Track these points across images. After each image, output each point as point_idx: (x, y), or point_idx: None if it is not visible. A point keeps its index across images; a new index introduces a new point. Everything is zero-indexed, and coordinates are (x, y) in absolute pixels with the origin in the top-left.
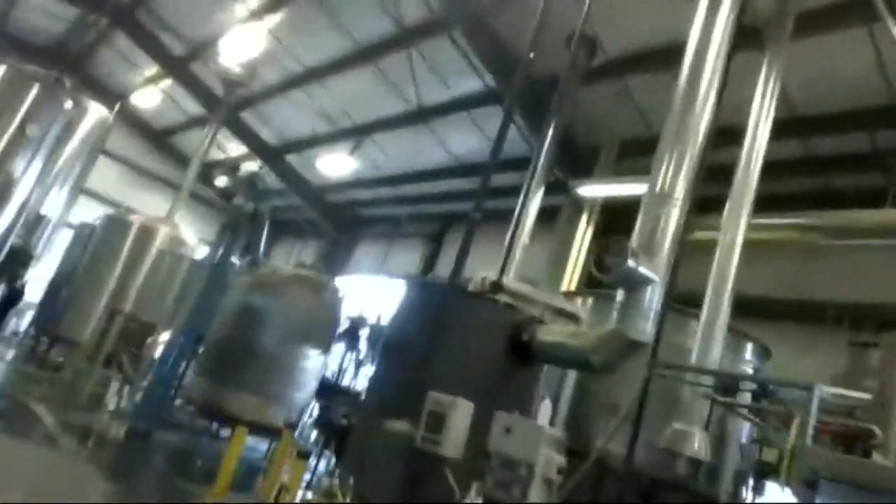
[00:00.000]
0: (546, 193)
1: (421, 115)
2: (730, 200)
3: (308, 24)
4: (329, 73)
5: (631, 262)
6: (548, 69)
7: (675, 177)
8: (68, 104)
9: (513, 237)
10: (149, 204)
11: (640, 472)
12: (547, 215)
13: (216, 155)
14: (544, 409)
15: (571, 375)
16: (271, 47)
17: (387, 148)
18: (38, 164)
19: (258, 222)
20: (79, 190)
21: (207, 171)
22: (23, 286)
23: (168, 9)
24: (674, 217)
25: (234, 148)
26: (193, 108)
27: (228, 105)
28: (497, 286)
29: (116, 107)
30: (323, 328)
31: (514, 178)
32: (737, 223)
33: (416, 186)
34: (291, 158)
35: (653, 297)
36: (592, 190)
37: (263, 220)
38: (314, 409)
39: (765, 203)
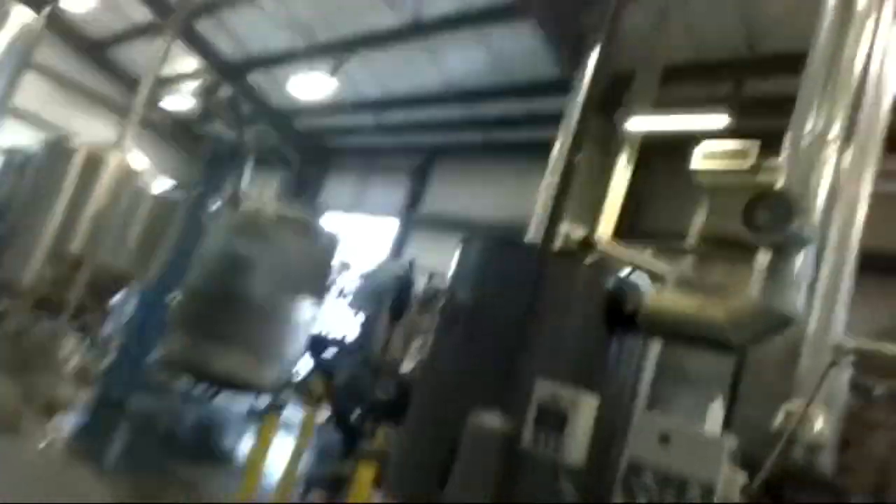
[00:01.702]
0: (544, 124)
1: (418, 30)
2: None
3: None
4: None
5: (797, 221)
6: None
7: (831, 112)
8: None
9: (567, 178)
10: (88, 127)
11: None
12: (543, 150)
13: (165, 71)
14: (715, 410)
15: (653, 351)
16: None
17: (371, 67)
18: None
19: (241, 154)
20: (5, 110)
21: (157, 91)
22: None
23: None
24: (831, 162)
25: (186, 63)
26: (138, 14)
27: (184, 12)
28: (588, 244)
29: (45, 11)
30: (317, 275)
31: (519, 107)
32: (860, 167)
33: (401, 113)
34: (255, 77)
35: (806, 262)
36: (641, 123)
37: (247, 152)
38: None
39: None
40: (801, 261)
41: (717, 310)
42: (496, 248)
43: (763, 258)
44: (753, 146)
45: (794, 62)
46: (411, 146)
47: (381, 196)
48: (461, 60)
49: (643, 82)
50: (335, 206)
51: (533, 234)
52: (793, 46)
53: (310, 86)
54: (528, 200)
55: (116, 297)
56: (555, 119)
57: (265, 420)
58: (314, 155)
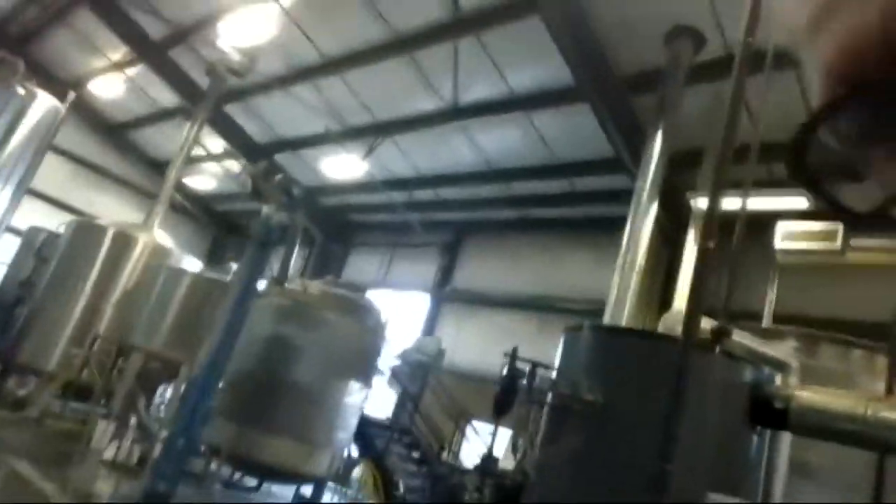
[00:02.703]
0: (581, 202)
1: (456, 113)
2: None
3: (335, 5)
4: (350, 64)
5: None
6: (638, 63)
7: None
8: (19, 90)
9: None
10: (105, 208)
11: None
12: (600, 226)
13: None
14: None
15: (784, 445)
16: (283, 32)
17: (405, 148)
18: None
19: (291, 235)
20: (24, 189)
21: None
22: None
23: None
24: None
25: (212, 145)
26: (164, 99)
27: (216, 97)
28: (722, 334)
29: (70, 96)
30: (367, 358)
31: (555, 185)
32: None
33: (432, 191)
34: (282, 157)
35: None
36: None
37: (296, 233)
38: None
39: None
40: None
41: (887, 411)
42: (618, 340)
43: None
44: (837, 227)
45: None
46: (440, 222)
47: (408, 272)
48: (496, 140)
49: (708, 162)
50: (359, 281)
51: (611, 316)
52: None
53: (340, 166)
54: (561, 276)
55: (163, 386)
56: (594, 196)
57: None
58: (338, 231)
